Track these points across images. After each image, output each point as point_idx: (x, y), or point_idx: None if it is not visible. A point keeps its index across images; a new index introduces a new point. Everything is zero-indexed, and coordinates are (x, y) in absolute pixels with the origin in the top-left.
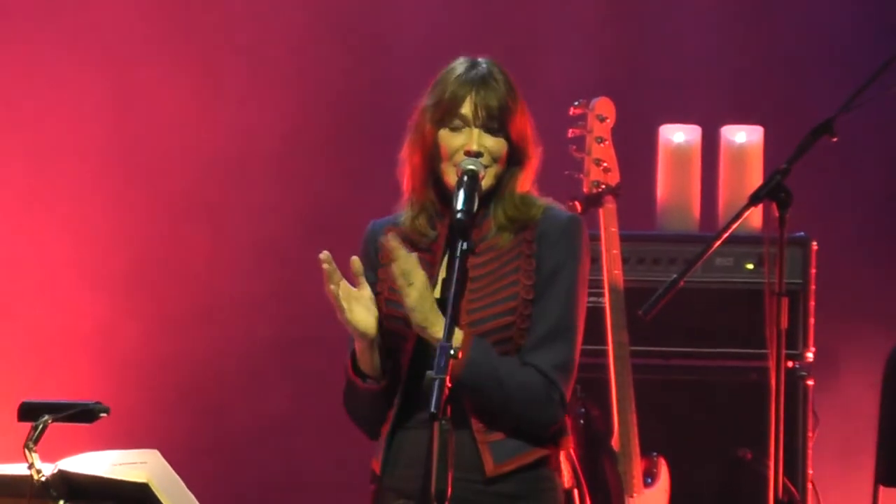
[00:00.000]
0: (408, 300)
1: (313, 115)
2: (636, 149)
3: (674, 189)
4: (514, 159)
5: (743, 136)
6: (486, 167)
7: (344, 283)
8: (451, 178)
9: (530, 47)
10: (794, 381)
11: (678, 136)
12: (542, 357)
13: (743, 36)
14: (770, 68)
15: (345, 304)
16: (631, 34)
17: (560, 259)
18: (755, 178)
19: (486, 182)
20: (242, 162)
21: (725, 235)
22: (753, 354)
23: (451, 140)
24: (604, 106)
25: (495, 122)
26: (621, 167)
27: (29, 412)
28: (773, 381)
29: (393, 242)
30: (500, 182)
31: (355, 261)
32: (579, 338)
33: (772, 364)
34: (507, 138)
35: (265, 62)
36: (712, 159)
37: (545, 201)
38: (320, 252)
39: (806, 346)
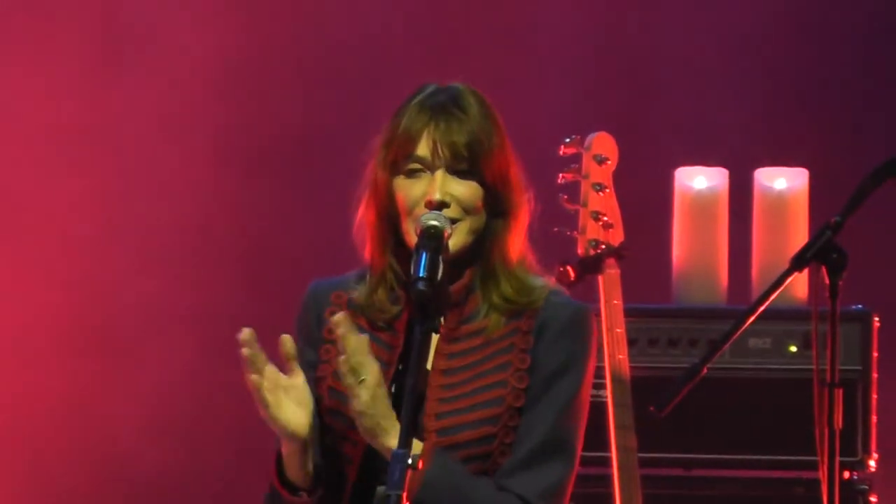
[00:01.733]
0: (356, 402)
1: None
2: (646, 198)
3: (694, 249)
4: (495, 210)
5: (783, 182)
6: (453, 221)
7: (271, 370)
8: (413, 237)
9: (510, 69)
10: (852, 497)
11: (699, 181)
12: (525, 482)
13: (782, 57)
14: (816, 96)
15: (270, 399)
16: (639, 55)
17: (562, 361)
18: (799, 235)
19: (456, 240)
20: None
21: (761, 309)
22: (799, 462)
23: (408, 190)
24: (603, 143)
25: (463, 163)
26: (627, 222)
27: None
28: (825, 498)
29: (342, 326)
30: (483, 241)
31: (286, 340)
32: (576, 461)
33: (823, 475)
34: (482, 182)
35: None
36: (744, 211)
37: (547, 283)
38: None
39: (867, 452)
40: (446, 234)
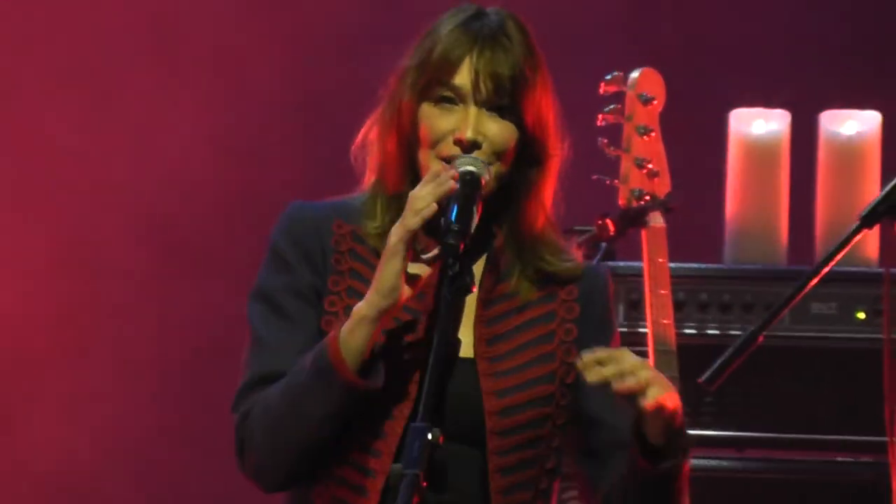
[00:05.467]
0: None
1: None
2: (697, 143)
3: (751, 202)
4: (527, 157)
5: (853, 127)
6: (486, 164)
7: None
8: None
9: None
10: None
11: (758, 125)
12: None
13: None
14: (890, 30)
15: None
16: None
17: (609, 335)
18: (870, 187)
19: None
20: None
21: (825, 270)
22: (867, 444)
23: (436, 120)
24: (649, 81)
25: (505, 99)
26: (675, 169)
27: None
28: (895, 483)
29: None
30: (513, 192)
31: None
32: None
33: (893, 458)
34: (520, 125)
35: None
36: (807, 159)
37: (575, 252)
38: None
39: None
40: (483, 182)
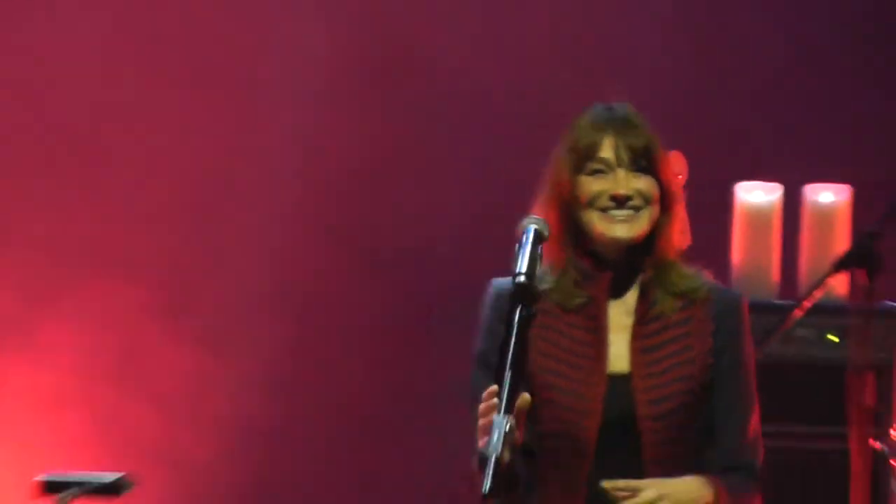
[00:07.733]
0: None
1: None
2: (708, 209)
3: (751, 253)
4: (663, 205)
5: (829, 196)
6: (638, 210)
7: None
8: (597, 226)
9: (575, 77)
10: (879, 463)
11: (757, 195)
12: (749, 463)
13: (830, 86)
14: (860, 121)
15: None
16: (703, 79)
17: (740, 349)
18: (842, 242)
19: (639, 228)
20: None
21: (807, 303)
22: (834, 433)
23: (592, 185)
24: (674, 161)
25: (643, 161)
26: (692, 228)
27: (51, 487)
28: (855, 463)
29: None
30: (654, 232)
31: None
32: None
33: (853, 445)
34: (657, 179)
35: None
36: (794, 221)
37: (700, 273)
38: None
39: (893, 425)
40: (545, 235)
